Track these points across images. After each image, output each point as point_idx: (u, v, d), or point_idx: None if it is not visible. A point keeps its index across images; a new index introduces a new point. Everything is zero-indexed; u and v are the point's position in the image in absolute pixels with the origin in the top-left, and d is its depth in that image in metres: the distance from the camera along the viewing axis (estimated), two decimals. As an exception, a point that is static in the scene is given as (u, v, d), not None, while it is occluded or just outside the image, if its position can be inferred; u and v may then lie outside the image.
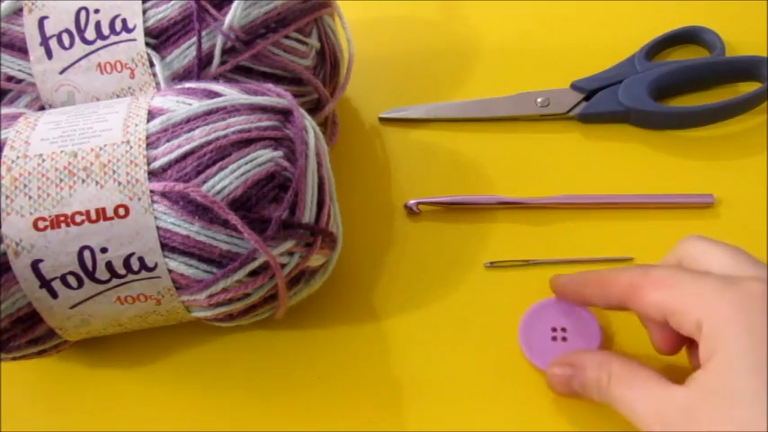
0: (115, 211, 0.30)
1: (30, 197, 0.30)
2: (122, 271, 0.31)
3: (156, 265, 0.31)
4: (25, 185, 0.30)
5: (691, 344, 0.32)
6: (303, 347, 0.38)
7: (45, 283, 0.31)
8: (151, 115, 0.33)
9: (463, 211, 0.42)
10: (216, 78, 0.37)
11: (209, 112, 0.32)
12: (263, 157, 0.32)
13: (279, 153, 0.32)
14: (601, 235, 0.40)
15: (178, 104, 0.33)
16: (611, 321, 0.37)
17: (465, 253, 0.40)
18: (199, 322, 0.36)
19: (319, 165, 0.34)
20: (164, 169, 0.31)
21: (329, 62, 0.41)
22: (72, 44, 0.37)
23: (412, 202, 0.41)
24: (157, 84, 0.37)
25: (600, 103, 0.45)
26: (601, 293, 0.33)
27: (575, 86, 0.46)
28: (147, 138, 0.31)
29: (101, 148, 0.31)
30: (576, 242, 0.40)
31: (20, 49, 0.37)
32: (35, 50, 0.37)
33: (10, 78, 0.38)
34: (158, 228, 0.31)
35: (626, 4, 0.51)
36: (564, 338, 0.36)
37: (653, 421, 0.28)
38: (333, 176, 0.35)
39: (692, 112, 0.44)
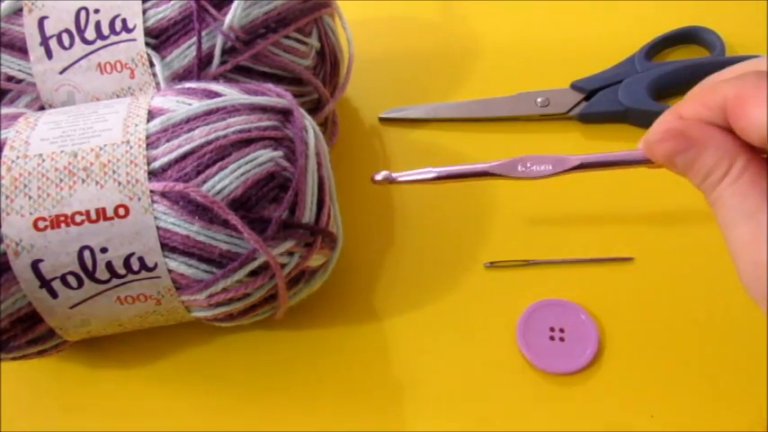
0: (115, 211, 0.30)
1: (30, 197, 0.30)
2: (122, 271, 0.31)
3: (156, 265, 0.31)
4: (25, 185, 0.30)
5: None
6: (303, 347, 0.38)
7: (45, 283, 0.31)
8: (151, 115, 0.33)
9: (463, 209, 0.42)
10: (216, 78, 0.37)
11: (209, 112, 0.32)
12: (263, 157, 0.32)
13: (279, 153, 0.32)
14: (600, 235, 0.40)
15: (178, 104, 0.33)
16: (609, 323, 0.37)
17: (464, 253, 0.40)
18: (199, 322, 0.36)
19: (319, 165, 0.34)
20: (164, 169, 0.31)
21: (329, 62, 0.41)
22: (72, 44, 0.37)
23: (383, 173, 0.35)
24: (157, 84, 0.37)
25: (600, 102, 0.45)
26: (701, 102, 0.28)
27: (575, 86, 0.46)
28: (147, 138, 0.31)
29: (101, 148, 0.31)
30: (576, 242, 0.40)
31: (20, 49, 0.37)
32: (35, 50, 0.37)
33: (10, 78, 0.38)
34: (158, 228, 0.31)
35: (626, 4, 0.51)
36: (561, 339, 0.36)
37: (745, 250, 0.25)
38: (333, 176, 0.35)
39: (691, 113, 0.44)
